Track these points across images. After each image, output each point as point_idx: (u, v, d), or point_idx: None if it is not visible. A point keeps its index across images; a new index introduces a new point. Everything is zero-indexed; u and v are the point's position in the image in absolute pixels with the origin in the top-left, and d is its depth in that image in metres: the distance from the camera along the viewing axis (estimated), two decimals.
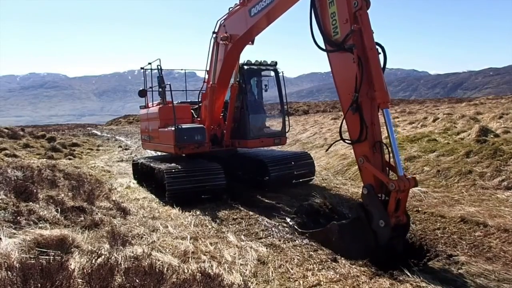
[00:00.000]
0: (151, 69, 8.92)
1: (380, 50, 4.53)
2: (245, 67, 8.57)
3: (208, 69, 8.67)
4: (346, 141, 4.92)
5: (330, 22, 4.74)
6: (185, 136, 8.11)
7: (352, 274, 4.06)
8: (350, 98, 4.58)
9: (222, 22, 7.89)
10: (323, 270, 4.18)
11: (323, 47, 4.89)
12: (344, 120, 4.78)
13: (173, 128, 8.04)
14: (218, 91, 8.44)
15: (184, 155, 8.60)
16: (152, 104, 9.75)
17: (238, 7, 7.25)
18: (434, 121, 14.54)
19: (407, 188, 4.27)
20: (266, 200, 7.59)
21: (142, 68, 9.26)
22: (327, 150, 9.96)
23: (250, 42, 7.87)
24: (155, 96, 9.41)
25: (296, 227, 5.64)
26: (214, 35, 8.14)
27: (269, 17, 6.47)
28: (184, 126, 8.31)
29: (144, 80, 9.17)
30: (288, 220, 6.03)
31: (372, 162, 4.52)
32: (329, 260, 4.45)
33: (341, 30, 4.61)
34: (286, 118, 9.06)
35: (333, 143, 6.82)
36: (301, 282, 3.90)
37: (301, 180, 8.64)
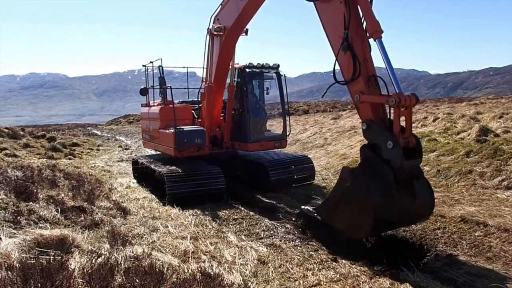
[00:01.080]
0: (152, 67, 8.89)
1: None
2: (247, 69, 8.50)
3: (205, 67, 8.66)
4: (341, 82, 4.92)
5: None
6: (185, 139, 8.09)
7: (352, 274, 4.06)
8: (341, 40, 4.66)
9: (215, 16, 7.89)
10: (323, 270, 4.18)
11: None
12: (337, 63, 4.83)
13: (173, 131, 8.03)
14: (216, 91, 8.38)
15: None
16: (153, 103, 9.74)
17: None
18: (434, 120, 14.53)
19: (409, 103, 4.19)
20: (267, 200, 7.59)
21: (144, 65, 9.22)
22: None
23: (244, 33, 7.88)
24: (156, 95, 9.39)
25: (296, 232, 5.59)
26: (209, 31, 8.09)
27: None
28: (184, 128, 8.27)
29: (145, 78, 9.14)
30: (288, 226, 5.98)
31: (375, 97, 4.55)
32: (329, 260, 4.46)
33: None
34: (287, 121, 8.98)
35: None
36: (301, 282, 3.90)
37: (301, 184, 8.63)
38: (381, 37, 4.39)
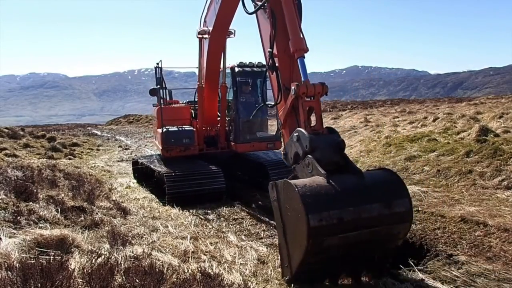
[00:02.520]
0: (160, 67, 8.80)
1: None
2: (236, 69, 8.43)
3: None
4: (269, 105, 4.83)
5: None
6: (172, 139, 8.13)
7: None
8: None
9: (203, 18, 7.82)
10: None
11: (250, 10, 4.77)
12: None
13: (161, 131, 8.08)
14: (207, 91, 8.31)
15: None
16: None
17: None
18: (434, 120, 14.55)
19: (312, 92, 3.83)
20: (267, 200, 7.58)
21: (157, 63, 9.00)
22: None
23: (232, 35, 7.81)
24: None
25: None
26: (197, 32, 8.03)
27: None
28: (171, 128, 8.30)
29: (155, 78, 9.09)
30: None
31: (286, 116, 4.18)
32: None
33: None
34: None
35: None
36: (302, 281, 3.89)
37: None
38: (304, 57, 4.05)
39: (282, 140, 4.57)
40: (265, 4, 4.42)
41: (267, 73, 4.63)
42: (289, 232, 3.52)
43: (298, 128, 3.81)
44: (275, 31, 4.31)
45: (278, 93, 4.39)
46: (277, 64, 4.40)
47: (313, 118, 4.04)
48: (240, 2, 4.89)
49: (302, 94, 3.84)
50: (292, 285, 3.71)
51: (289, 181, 3.46)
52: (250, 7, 4.81)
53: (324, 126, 3.94)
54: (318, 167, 3.46)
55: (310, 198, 3.18)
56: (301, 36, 4.14)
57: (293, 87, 3.88)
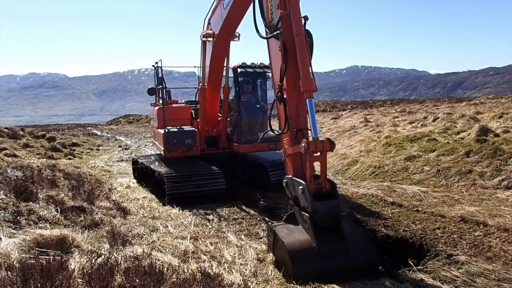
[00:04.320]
0: (161, 67, 8.79)
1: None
2: (239, 69, 8.42)
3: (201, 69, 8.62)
4: (275, 131, 4.91)
5: (269, 8, 4.72)
6: (175, 139, 8.11)
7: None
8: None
9: (208, 20, 7.81)
10: None
11: (264, 34, 4.88)
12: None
13: (163, 131, 8.05)
14: (210, 92, 8.31)
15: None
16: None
17: (216, 2, 7.19)
18: (434, 120, 14.54)
19: (321, 149, 4.03)
20: (267, 200, 7.59)
21: (156, 62, 8.96)
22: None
23: (236, 38, 7.81)
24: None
25: None
26: (200, 36, 8.03)
27: (240, 6, 6.20)
28: (173, 129, 8.28)
29: (156, 78, 9.06)
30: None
31: (293, 152, 4.45)
32: None
33: (275, 16, 4.58)
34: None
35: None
36: (301, 281, 3.89)
37: None
38: (313, 97, 4.20)
39: (284, 166, 4.84)
40: (278, 36, 4.52)
41: (275, 104, 4.79)
42: (278, 257, 4.31)
43: (305, 184, 4.05)
44: (286, 66, 4.41)
45: (284, 124, 4.56)
46: (285, 96, 4.56)
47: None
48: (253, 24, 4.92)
49: (311, 152, 4.02)
50: (293, 284, 3.72)
51: (285, 245, 4.01)
52: (263, 31, 4.89)
53: (327, 180, 4.19)
54: (313, 233, 3.98)
55: (300, 264, 3.87)
56: (311, 76, 4.23)
57: (303, 145, 4.06)
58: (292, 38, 4.30)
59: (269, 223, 4.58)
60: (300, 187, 4.09)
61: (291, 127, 4.51)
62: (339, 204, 4.19)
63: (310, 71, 4.24)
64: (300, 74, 4.21)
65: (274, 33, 4.55)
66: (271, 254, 4.42)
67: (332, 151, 4.20)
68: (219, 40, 7.42)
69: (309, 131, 4.43)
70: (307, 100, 4.18)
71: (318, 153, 4.09)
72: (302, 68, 4.20)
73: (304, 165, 4.22)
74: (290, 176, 4.50)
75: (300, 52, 4.22)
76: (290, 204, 4.50)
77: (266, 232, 4.44)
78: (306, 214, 4.03)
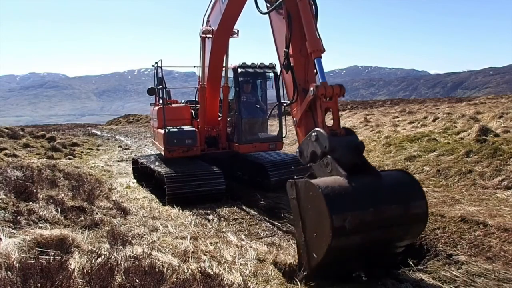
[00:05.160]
0: (161, 67, 8.79)
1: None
2: (239, 69, 8.42)
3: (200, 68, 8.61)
4: (284, 104, 4.86)
5: None
6: (175, 139, 8.12)
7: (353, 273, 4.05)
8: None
9: (206, 18, 7.80)
10: None
11: (263, 11, 4.82)
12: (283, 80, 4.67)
13: (163, 131, 8.05)
14: (210, 91, 8.30)
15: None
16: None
17: None
18: (434, 120, 14.55)
19: (331, 93, 3.89)
20: (267, 200, 7.59)
21: (156, 62, 8.89)
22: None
23: (235, 35, 7.81)
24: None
25: None
26: (200, 31, 8.01)
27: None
28: (174, 129, 8.28)
29: (154, 78, 9.06)
30: (289, 225, 5.90)
31: (303, 112, 4.22)
32: None
33: None
34: (284, 122, 8.75)
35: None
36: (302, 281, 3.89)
37: None
38: (321, 57, 4.10)
39: (296, 138, 4.57)
40: (280, 5, 4.46)
41: (280, 73, 4.67)
42: (309, 230, 3.57)
43: (316, 128, 3.85)
44: (291, 32, 4.34)
45: (293, 92, 4.43)
46: (292, 64, 4.44)
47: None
48: (253, 3, 4.90)
49: (321, 96, 3.88)
50: (293, 284, 3.72)
51: (311, 181, 3.47)
52: (263, 8, 4.85)
53: (342, 127, 3.95)
54: (339, 167, 3.51)
55: (334, 199, 3.25)
56: (318, 36, 4.17)
57: (311, 88, 3.91)
58: (295, 4, 4.25)
59: (289, 180, 3.86)
60: (313, 134, 3.81)
61: (301, 94, 4.32)
62: (362, 143, 3.78)
63: (317, 32, 4.18)
64: (306, 35, 4.13)
65: (277, 3, 4.50)
66: (298, 220, 3.69)
67: (344, 95, 4.01)
68: (219, 36, 7.41)
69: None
70: (315, 60, 4.09)
71: (328, 99, 3.93)
72: (307, 30, 4.14)
73: (315, 116, 3.97)
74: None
75: (304, 15, 4.17)
76: (309, 167, 4.00)
77: (287, 191, 3.80)
78: (327, 156, 3.63)
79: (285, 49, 4.41)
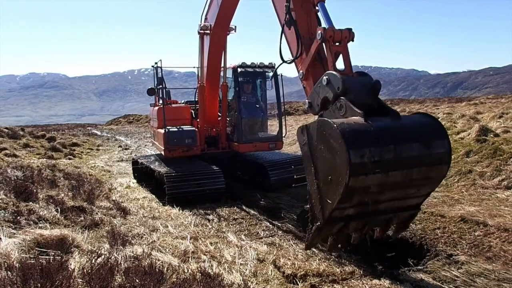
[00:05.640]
0: (161, 67, 8.78)
1: None
2: (239, 69, 8.42)
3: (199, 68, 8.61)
4: (287, 61, 4.60)
5: None
6: (175, 139, 8.13)
7: (353, 273, 4.06)
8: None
9: (205, 16, 7.83)
10: (325, 268, 4.17)
11: None
12: (285, 39, 4.56)
13: (163, 131, 8.06)
14: (209, 90, 8.30)
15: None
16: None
17: None
18: None
19: (339, 37, 3.70)
20: (267, 200, 7.59)
21: (156, 62, 8.88)
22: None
23: (233, 31, 7.83)
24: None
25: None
26: (199, 28, 8.01)
27: None
28: (173, 129, 8.29)
29: (156, 78, 9.07)
30: (289, 225, 5.91)
31: (311, 61, 4.07)
32: (331, 257, 4.46)
33: None
34: (284, 122, 8.81)
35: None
36: (302, 281, 3.90)
37: (301, 184, 8.57)
38: (324, 1, 4.01)
39: (304, 92, 4.35)
40: None
41: (282, 33, 4.49)
42: (322, 175, 3.34)
43: (327, 71, 3.62)
44: None
45: (297, 47, 4.27)
46: (294, 19, 4.34)
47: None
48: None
49: (329, 38, 3.71)
50: (293, 284, 3.72)
51: (326, 119, 3.22)
52: None
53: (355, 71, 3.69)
54: (353, 107, 3.24)
55: (350, 135, 3.00)
56: None
57: (319, 32, 3.74)
58: None
59: (300, 126, 3.65)
60: (325, 77, 3.54)
61: (306, 46, 4.18)
62: (378, 81, 3.50)
63: None
64: None
65: None
66: (310, 167, 3.48)
67: (353, 40, 3.76)
68: (216, 31, 7.45)
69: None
70: (318, 4, 4.01)
71: (337, 43, 3.74)
72: None
73: (324, 59, 3.83)
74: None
75: None
76: (319, 116, 3.71)
77: (297, 138, 3.61)
78: (341, 98, 3.37)
79: (286, 3, 4.32)
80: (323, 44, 3.85)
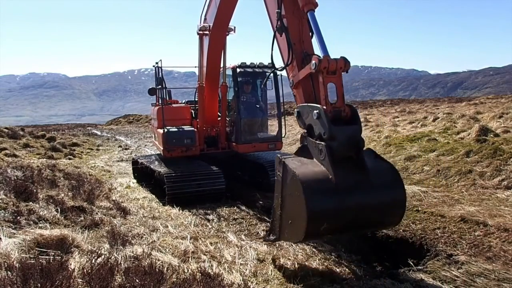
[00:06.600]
0: (161, 67, 8.77)
1: None
2: (238, 69, 8.41)
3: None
4: (279, 68, 4.67)
5: None
6: (173, 139, 8.13)
7: (353, 273, 4.06)
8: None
9: (204, 16, 7.80)
10: (325, 268, 4.18)
11: None
12: (277, 46, 4.56)
13: (162, 131, 8.06)
14: (208, 90, 8.28)
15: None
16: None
17: None
18: (434, 120, 14.55)
19: (334, 67, 3.63)
20: (267, 200, 7.58)
21: (156, 62, 8.88)
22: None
23: (232, 32, 7.81)
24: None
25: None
26: (197, 29, 7.99)
27: None
28: (173, 129, 8.29)
29: (155, 78, 9.06)
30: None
31: (302, 77, 4.07)
32: (332, 257, 4.46)
33: None
34: (283, 122, 8.74)
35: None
36: (302, 281, 3.90)
37: None
38: (314, 10, 3.95)
39: (295, 100, 4.44)
40: None
41: (274, 38, 4.51)
42: (286, 212, 3.74)
43: (320, 107, 3.62)
44: None
45: (288, 54, 4.29)
46: (286, 25, 4.34)
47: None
48: None
49: (323, 70, 3.64)
50: (293, 284, 3.71)
51: (299, 177, 3.43)
52: None
53: (346, 104, 3.72)
54: (330, 166, 3.46)
55: (316, 205, 3.34)
56: None
57: (313, 61, 3.68)
58: None
59: (278, 155, 3.93)
60: (315, 111, 3.61)
61: (296, 54, 4.20)
62: (361, 130, 3.67)
63: None
64: None
65: None
66: (279, 195, 3.81)
67: (347, 71, 3.74)
68: (215, 32, 7.41)
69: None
70: (308, 14, 3.94)
71: (332, 73, 3.69)
72: None
73: (317, 88, 3.81)
74: (302, 104, 4.07)
75: None
76: (302, 135, 3.96)
77: (275, 167, 3.85)
78: (322, 143, 3.54)
79: (277, 10, 4.30)
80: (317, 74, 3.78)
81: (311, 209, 3.28)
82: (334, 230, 3.66)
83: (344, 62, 3.68)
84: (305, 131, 3.89)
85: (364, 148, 3.66)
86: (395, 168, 3.88)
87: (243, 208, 6.96)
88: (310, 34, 4.22)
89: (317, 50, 4.06)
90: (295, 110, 4.06)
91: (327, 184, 3.40)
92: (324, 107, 3.62)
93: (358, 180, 3.52)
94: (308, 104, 3.88)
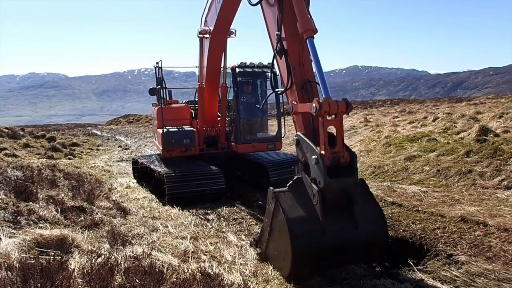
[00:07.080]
0: (161, 67, 8.76)
1: None
2: (237, 69, 8.40)
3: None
4: (278, 92, 4.71)
5: None
6: (173, 139, 8.14)
7: (353, 273, 4.06)
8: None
9: (204, 18, 7.79)
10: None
11: (254, 2, 4.80)
12: (277, 68, 4.59)
13: (162, 131, 8.06)
14: (208, 91, 8.28)
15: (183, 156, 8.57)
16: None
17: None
18: (434, 120, 14.55)
19: (335, 111, 3.55)
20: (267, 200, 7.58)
21: (157, 63, 8.85)
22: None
23: (233, 35, 7.80)
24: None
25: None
26: (198, 32, 7.97)
27: None
28: (172, 129, 8.29)
29: (155, 78, 9.06)
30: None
31: (301, 111, 4.09)
32: None
33: None
34: (283, 122, 8.71)
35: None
36: (302, 280, 3.90)
37: None
38: (313, 37, 3.96)
39: (294, 126, 4.47)
40: None
41: (274, 60, 4.55)
42: (273, 238, 4.06)
43: (318, 152, 3.60)
44: (282, 14, 4.24)
45: (288, 78, 4.29)
46: (285, 48, 4.33)
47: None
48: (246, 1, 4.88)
49: (324, 114, 3.55)
50: (293, 284, 3.71)
51: (286, 222, 3.69)
52: None
53: (345, 149, 3.67)
54: (320, 209, 3.62)
55: (302, 245, 3.62)
56: (309, 16, 4.07)
57: (314, 105, 3.59)
58: None
59: (271, 188, 4.02)
60: (314, 156, 3.61)
61: (296, 79, 4.21)
62: (356, 183, 3.69)
63: (307, 11, 4.07)
64: (297, 17, 4.03)
65: None
66: (269, 223, 4.00)
67: (348, 114, 3.68)
68: (215, 36, 7.40)
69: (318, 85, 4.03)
70: (307, 41, 3.92)
71: (333, 116, 3.60)
72: (298, 9, 4.05)
73: (316, 127, 3.76)
74: (302, 133, 4.07)
75: None
76: (298, 166, 4.00)
77: (267, 197, 3.98)
78: (316, 188, 3.59)
79: (277, 32, 4.30)
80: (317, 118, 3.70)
81: (296, 257, 3.58)
82: (318, 271, 3.98)
83: (345, 105, 3.58)
84: (301, 165, 3.97)
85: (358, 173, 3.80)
86: (383, 213, 4.15)
87: (243, 208, 6.96)
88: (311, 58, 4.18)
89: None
90: (295, 138, 4.12)
91: (315, 231, 3.62)
92: (323, 152, 3.57)
93: (345, 227, 3.74)
94: (308, 142, 3.83)
